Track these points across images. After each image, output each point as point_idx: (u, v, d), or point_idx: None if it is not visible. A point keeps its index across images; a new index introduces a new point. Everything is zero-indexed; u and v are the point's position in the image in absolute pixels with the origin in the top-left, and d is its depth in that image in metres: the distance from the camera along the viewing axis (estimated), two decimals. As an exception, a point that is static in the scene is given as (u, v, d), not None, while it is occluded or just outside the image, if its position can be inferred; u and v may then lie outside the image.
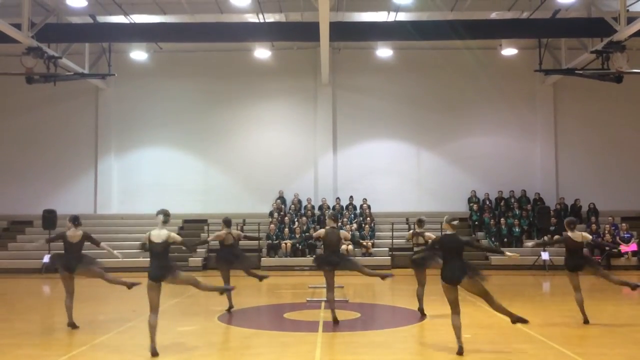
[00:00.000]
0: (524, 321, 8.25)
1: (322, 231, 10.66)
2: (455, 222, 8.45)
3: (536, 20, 19.76)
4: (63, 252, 10.34)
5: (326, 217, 10.83)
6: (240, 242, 12.40)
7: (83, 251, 10.38)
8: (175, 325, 10.38)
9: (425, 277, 11.32)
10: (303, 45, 23.60)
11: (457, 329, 8.15)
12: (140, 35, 20.82)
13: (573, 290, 10.35)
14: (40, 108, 24.51)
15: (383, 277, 11.27)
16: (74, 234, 10.23)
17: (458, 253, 8.25)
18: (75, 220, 10.36)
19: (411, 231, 12.41)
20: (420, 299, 11.30)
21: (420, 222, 11.95)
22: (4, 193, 24.21)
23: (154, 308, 8.20)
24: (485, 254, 21.27)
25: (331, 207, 23.17)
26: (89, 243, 10.37)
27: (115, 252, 10.73)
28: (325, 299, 12.84)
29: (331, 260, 10.59)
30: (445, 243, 8.38)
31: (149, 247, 8.28)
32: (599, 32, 18.65)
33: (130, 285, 10.48)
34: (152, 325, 8.17)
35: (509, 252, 9.23)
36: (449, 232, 8.41)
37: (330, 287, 10.63)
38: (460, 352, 8.01)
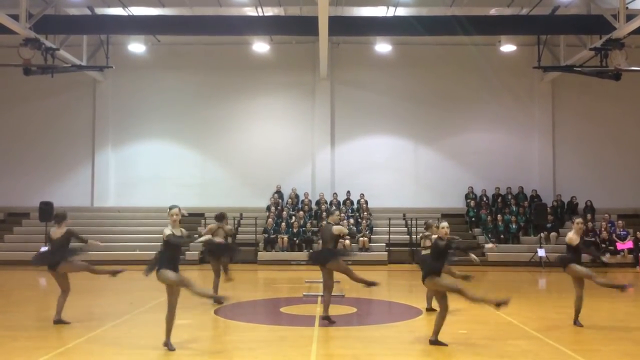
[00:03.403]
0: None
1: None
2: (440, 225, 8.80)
3: (535, 17, 19.75)
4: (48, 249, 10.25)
5: (325, 212, 10.60)
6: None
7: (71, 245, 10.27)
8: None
9: None
10: (302, 39, 23.50)
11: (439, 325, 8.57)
12: (138, 27, 20.74)
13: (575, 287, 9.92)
14: (38, 100, 24.41)
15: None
16: (56, 231, 10.10)
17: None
18: (56, 218, 10.23)
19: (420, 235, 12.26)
20: (429, 299, 11.17)
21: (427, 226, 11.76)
22: (0, 185, 24.16)
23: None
24: (482, 250, 21.33)
25: (328, 202, 23.15)
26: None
27: (99, 243, 10.75)
28: (321, 293, 12.87)
29: (318, 257, 10.38)
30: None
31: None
32: (598, 29, 18.64)
33: (114, 273, 10.47)
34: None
35: (488, 245, 9.32)
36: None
37: (324, 285, 10.28)
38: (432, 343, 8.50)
